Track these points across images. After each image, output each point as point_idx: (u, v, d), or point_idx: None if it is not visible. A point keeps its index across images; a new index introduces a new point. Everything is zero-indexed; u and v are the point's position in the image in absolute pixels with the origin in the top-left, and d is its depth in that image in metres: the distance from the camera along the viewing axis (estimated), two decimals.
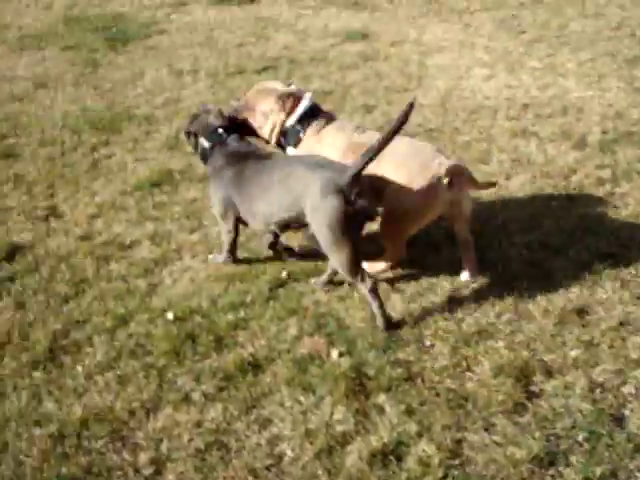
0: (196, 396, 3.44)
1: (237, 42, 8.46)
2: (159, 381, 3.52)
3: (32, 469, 3.09)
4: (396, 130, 3.62)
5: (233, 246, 4.35)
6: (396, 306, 3.99)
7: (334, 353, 3.68)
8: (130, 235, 4.72)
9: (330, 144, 4.17)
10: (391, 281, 4.20)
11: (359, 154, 3.70)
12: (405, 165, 3.98)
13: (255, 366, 3.60)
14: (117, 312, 3.99)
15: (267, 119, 4.36)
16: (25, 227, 4.82)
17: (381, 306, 3.80)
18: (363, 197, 3.65)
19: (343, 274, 3.82)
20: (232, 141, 4.28)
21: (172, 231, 4.76)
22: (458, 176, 3.97)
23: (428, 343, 3.73)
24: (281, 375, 3.54)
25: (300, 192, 3.74)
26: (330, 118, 4.36)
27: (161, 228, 4.79)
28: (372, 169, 3.77)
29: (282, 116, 4.32)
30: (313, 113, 4.31)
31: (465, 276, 4.22)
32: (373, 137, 4.05)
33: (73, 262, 4.44)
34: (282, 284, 4.21)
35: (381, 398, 3.39)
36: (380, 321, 3.81)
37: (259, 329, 3.86)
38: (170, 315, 3.95)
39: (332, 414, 3.32)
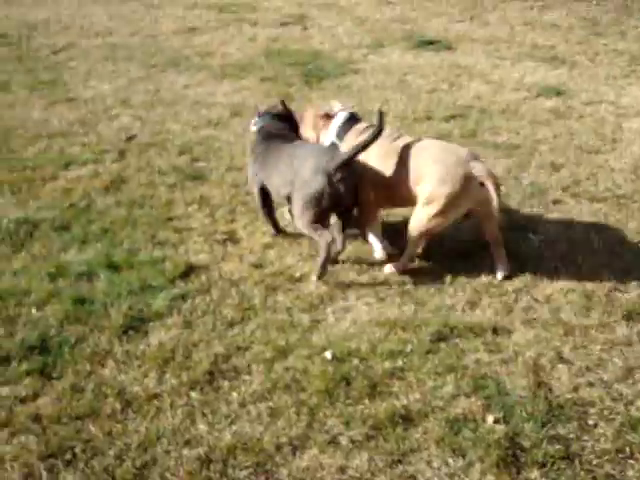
0: (343, 441, 3.41)
1: (429, 88, 8.46)
2: (309, 420, 3.52)
3: None
4: (377, 134, 4.50)
5: (269, 217, 5.08)
6: (562, 378, 3.80)
7: (490, 418, 3.55)
8: (300, 269, 4.78)
9: (365, 152, 4.60)
10: (559, 350, 4.01)
11: (393, 159, 4.61)
12: (442, 161, 4.48)
13: (406, 419, 3.53)
14: (278, 344, 4.04)
15: (309, 133, 5.13)
16: (203, 249, 4.99)
17: (325, 260, 4.51)
18: (346, 183, 4.45)
19: (301, 228, 4.66)
20: (272, 123, 5.16)
21: (341, 270, 4.78)
22: (489, 179, 4.40)
23: (591, 422, 3.52)
24: (432, 433, 3.44)
25: (296, 170, 4.56)
26: (367, 128, 4.84)
27: (331, 266, 4.83)
28: (411, 163, 4.55)
29: (316, 132, 5.06)
30: (351, 126, 4.91)
31: (500, 274, 4.65)
32: (406, 143, 4.69)
33: (243, 288, 4.55)
34: (444, 338, 4.11)
35: (534, 474, 3.22)
36: (316, 269, 4.56)
37: (415, 381, 3.78)
38: (329, 354, 3.95)
39: None
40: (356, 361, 3.91)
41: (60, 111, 7.51)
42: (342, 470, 3.26)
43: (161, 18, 11.68)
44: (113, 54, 9.59)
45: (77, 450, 3.32)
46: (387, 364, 3.89)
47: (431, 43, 10.42)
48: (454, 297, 4.51)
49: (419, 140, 4.80)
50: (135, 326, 4.16)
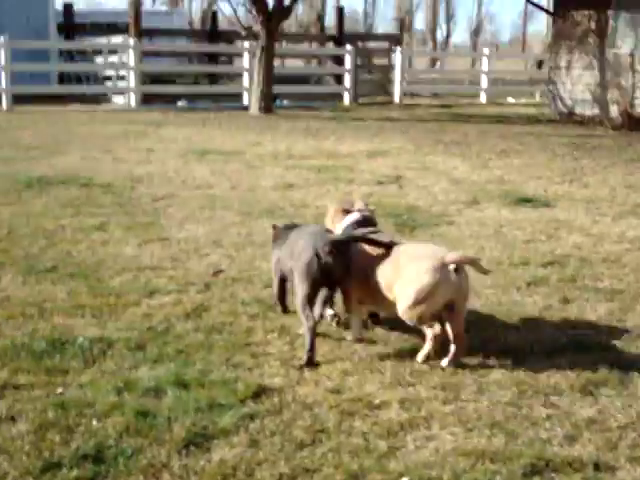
0: None
1: (526, 238, 8.21)
2: None
3: None
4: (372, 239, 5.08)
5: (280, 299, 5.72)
6: None
7: None
8: (381, 396, 4.43)
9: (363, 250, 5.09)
10: None
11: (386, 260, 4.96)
12: (418, 257, 4.89)
13: None
14: (350, 468, 3.64)
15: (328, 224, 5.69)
16: (278, 373, 4.71)
17: (311, 344, 4.81)
18: (334, 260, 4.88)
19: (296, 306, 5.07)
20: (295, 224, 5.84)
21: (424, 399, 4.40)
22: (461, 264, 4.81)
23: None
24: None
25: (293, 248, 5.15)
26: (373, 232, 5.26)
27: (413, 394, 4.46)
28: (387, 269, 4.91)
29: (333, 224, 5.59)
30: (358, 226, 5.37)
31: (445, 362, 4.82)
32: (397, 249, 5.00)
33: (317, 412, 4.21)
34: (539, 471, 3.64)
35: None
36: (305, 354, 4.83)
37: None
38: None
39: None
40: None
41: (152, 249, 7.55)
42: None
43: (261, 176, 11.96)
44: (211, 204, 9.76)
45: None
46: None
47: (529, 201, 10.25)
48: (551, 431, 4.05)
49: (401, 244, 5.16)
50: (197, 442, 3.85)
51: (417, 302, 4.75)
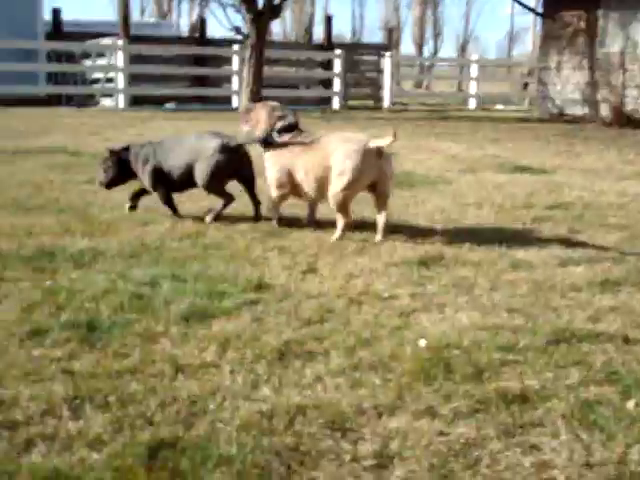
0: (444, 410, 2.70)
1: (527, 192, 7.99)
2: (398, 392, 2.83)
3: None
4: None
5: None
6: None
7: (630, 403, 2.80)
8: (389, 291, 4.19)
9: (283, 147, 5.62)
10: None
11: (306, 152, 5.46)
12: (347, 142, 5.31)
13: (523, 399, 2.81)
14: (362, 335, 3.41)
15: (257, 124, 5.81)
16: (280, 274, 4.45)
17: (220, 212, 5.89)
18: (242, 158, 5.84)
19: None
20: None
21: (436, 292, 4.17)
22: (381, 149, 5.22)
23: None
24: (556, 410, 2.70)
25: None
26: (298, 134, 5.66)
27: (423, 290, 4.22)
28: (320, 152, 5.36)
29: (266, 125, 5.73)
30: (289, 129, 5.67)
31: (378, 238, 5.31)
32: (323, 139, 5.49)
33: (323, 300, 3.97)
34: (565, 340, 3.41)
35: None
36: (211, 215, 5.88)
37: (531, 372, 3.07)
38: (422, 342, 3.29)
39: (625, 453, 2.41)
40: (456, 351, 3.24)
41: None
42: (441, 434, 2.54)
43: None
44: None
45: (111, 399, 2.71)
46: (495, 355, 3.20)
47: (526, 169, 10.07)
48: (572, 314, 3.82)
49: (325, 135, 5.64)
50: (197, 317, 3.60)
51: (346, 184, 5.18)
